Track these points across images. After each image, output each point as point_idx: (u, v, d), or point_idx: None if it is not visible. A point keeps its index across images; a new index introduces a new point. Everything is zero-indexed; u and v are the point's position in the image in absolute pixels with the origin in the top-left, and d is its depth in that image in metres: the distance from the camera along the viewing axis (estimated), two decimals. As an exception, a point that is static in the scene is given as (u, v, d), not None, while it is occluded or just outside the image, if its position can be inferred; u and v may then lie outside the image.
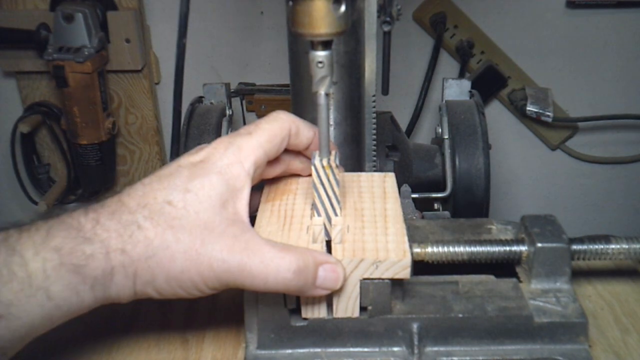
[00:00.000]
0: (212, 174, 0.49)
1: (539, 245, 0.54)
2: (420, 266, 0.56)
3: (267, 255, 0.47)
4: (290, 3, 0.49)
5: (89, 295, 0.46)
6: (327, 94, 0.50)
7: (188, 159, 0.51)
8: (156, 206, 0.47)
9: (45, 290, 0.43)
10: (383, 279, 0.50)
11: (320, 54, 0.49)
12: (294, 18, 0.49)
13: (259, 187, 0.58)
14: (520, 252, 0.56)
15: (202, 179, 0.49)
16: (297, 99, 0.80)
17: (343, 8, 0.49)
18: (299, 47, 0.76)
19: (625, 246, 0.57)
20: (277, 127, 0.53)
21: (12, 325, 0.43)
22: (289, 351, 0.52)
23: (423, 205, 0.96)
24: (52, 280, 0.44)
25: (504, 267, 0.58)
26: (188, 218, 0.47)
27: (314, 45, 0.49)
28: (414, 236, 0.60)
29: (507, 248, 0.56)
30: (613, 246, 0.56)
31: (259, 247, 0.47)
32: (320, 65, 0.49)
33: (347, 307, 0.51)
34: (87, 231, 0.46)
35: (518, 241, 0.57)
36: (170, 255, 0.46)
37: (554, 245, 0.54)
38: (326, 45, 0.49)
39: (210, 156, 0.50)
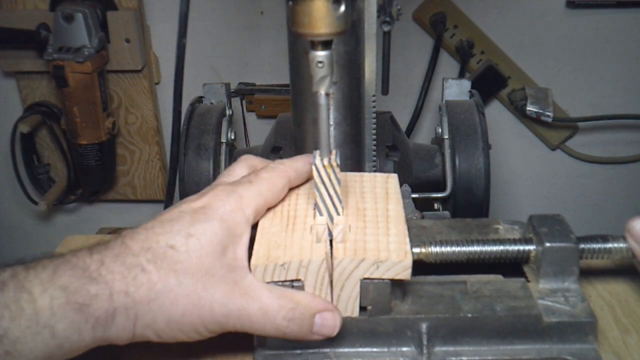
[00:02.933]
0: (214, 220, 0.50)
1: (548, 244, 0.54)
2: (426, 266, 0.56)
3: (265, 302, 0.49)
4: (290, 3, 0.49)
5: (90, 334, 0.46)
6: (327, 94, 0.50)
7: (190, 205, 0.52)
8: (159, 250, 0.48)
9: (50, 328, 0.44)
10: (383, 279, 0.50)
11: (320, 54, 0.49)
12: (294, 18, 0.49)
13: None
14: (529, 252, 0.56)
15: (204, 224, 0.50)
16: (297, 99, 0.80)
17: (343, 8, 0.49)
18: (299, 47, 0.76)
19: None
20: (276, 176, 0.55)
21: None
22: (298, 351, 0.53)
23: (423, 205, 0.96)
24: (57, 318, 0.44)
25: (509, 266, 0.58)
26: (190, 262, 0.48)
27: (314, 45, 0.49)
28: (421, 236, 0.60)
29: (516, 247, 0.56)
30: (620, 245, 0.56)
31: (258, 294, 0.49)
32: (320, 65, 0.49)
33: (347, 306, 0.51)
34: (93, 271, 0.47)
35: (526, 240, 0.56)
36: (173, 298, 0.48)
37: (563, 244, 0.54)
38: (326, 45, 0.49)
39: (212, 202, 0.51)
